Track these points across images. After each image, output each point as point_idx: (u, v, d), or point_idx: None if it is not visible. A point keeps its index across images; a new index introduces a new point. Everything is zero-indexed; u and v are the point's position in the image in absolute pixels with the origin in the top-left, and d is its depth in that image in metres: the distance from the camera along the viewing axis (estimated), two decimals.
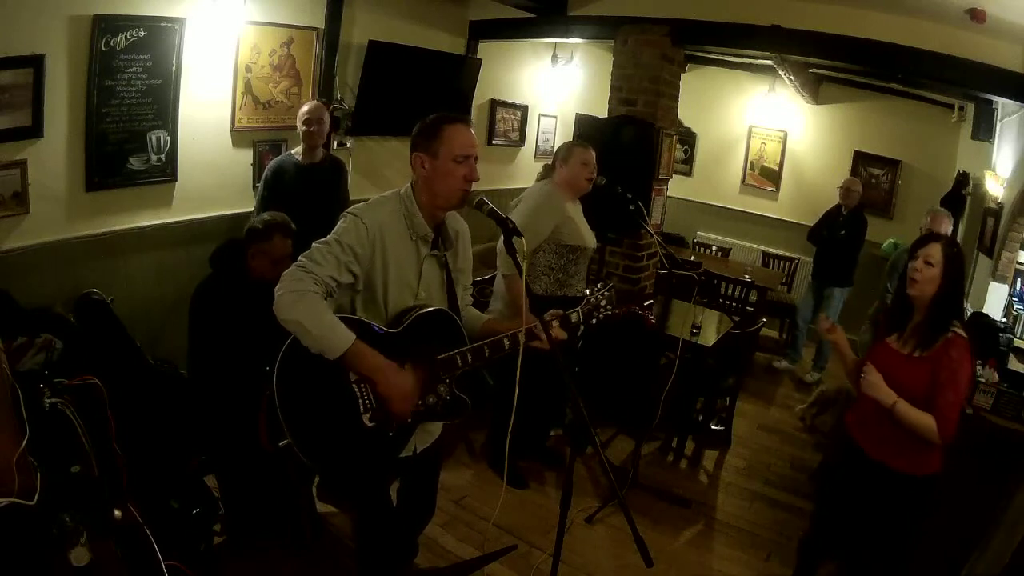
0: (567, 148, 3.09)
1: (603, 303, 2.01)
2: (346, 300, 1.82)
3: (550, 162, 3.23)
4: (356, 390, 1.75)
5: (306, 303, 1.61)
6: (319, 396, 1.71)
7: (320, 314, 1.62)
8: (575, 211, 3.09)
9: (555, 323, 1.90)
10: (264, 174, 3.52)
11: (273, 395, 1.66)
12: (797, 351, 5.34)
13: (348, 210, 1.81)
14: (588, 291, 2.03)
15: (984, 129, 4.76)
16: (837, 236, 4.83)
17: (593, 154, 3.05)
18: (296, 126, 3.50)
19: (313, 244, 1.74)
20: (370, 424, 1.77)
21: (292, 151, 3.58)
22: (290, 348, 1.66)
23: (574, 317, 1.97)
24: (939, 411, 1.98)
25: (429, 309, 1.84)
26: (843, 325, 5.20)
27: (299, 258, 1.71)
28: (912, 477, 2.10)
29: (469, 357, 1.83)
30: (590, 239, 3.12)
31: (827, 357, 5.15)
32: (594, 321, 2.01)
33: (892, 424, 2.06)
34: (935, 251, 2.07)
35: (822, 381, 5.11)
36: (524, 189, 3.23)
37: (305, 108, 3.47)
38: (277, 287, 1.65)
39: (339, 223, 1.78)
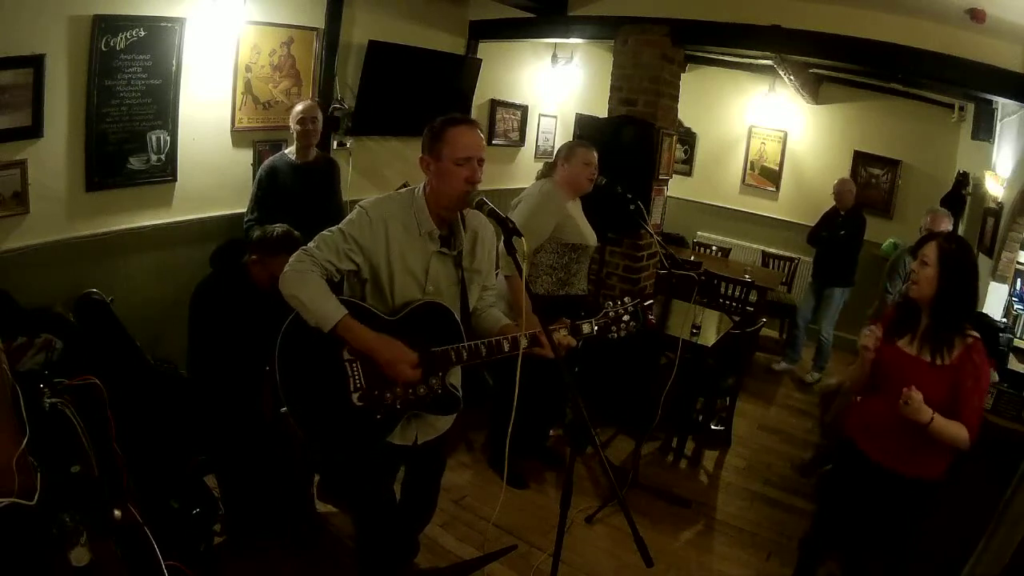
0: (569, 147, 3.09)
1: (625, 318, 1.90)
2: (357, 287, 1.89)
3: (551, 160, 3.23)
4: (348, 369, 1.81)
5: (304, 280, 1.74)
6: (314, 370, 1.80)
7: (315, 290, 1.74)
8: (575, 209, 3.09)
9: (563, 330, 1.88)
10: (258, 173, 3.52)
11: (274, 365, 1.77)
12: (797, 351, 5.34)
13: (359, 203, 1.89)
14: (609, 304, 1.92)
15: (984, 129, 4.75)
16: (837, 236, 4.84)
17: (595, 154, 3.05)
18: (290, 126, 3.50)
19: (322, 232, 1.85)
20: (359, 404, 1.82)
21: (286, 151, 3.58)
22: (292, 323, 1.77)
23: (586, 328, 1.90)
24: (967, 417, 1.95)
25: (429, 301, 1.87)
26: (843, 325, 5.24)
27: (307, 243, 1.84)
28: (920, 481, 2.08)
29: (464, 353, 1.85)
30: (591, 237, 3.12)
31: (827, 357, 5.15)
32: (612, 336, 1.92)
33: (901, 428, 2.01)
34: (930, 250, 2.04)
35: (822, 381, 5.12)
36: (524, 189, 3.23)
37: (300, 107, 3.46)
38: (285, 267, 1.79)
39: (349, 214, 1.88)
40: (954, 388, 1.98)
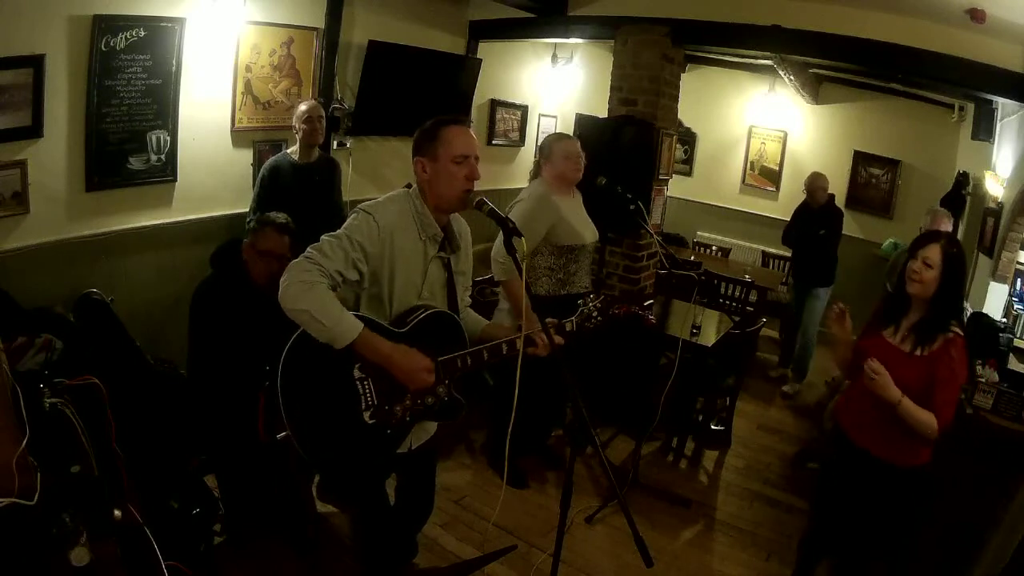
0: (547, 145, 3.07)
1: (595, 314, 2.07)
2: (350, 296, 1.84)
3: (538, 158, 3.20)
4: (359, 387, 1.76)
5: (314, 293, 1.62)
6: (322, 391, 1.73)
7: (329, 304, 1.63)
8: (571, 207, 3.05)
9: (551, 330, 1.91)
10: (260, 174, 3.53)
11: (276, 387, 1.67)
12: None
13: (360, 206, 1.81)
14: (581, 301, 2.09)
15: (984, 129, 4.75)
16: (816, 235, 4.57)
17: (575, 143, 3.03)
18: (293, 126, 3.50)
19: (323, 237, 1.74)
20: (370, 421, 1.78)
21: (288, 151, 3.58)
22: (297, 342, 1.67)
23: (568, 326, 2.01)
24: (937, 408, 2.01)
25: (434, 311, 1.85)
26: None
27: (308, 249, 1.71)
28: (893, 467, 2.13)
29: (469, 360, 1.85)
30: (588, 235, 3.09)
31: (808, 364, 4.91)
32: (587, 327, 2.06)
33: (879, 413, 2.08)
34: (934, 252, 2.07)
35: (802, 393, 4.95)
36: (523, 189, 3.22)
37: (304, 107, 3.47)
38: (283, 277, 1.65)
39: (350, 218, 1.78)
40: (929, 379, 2.03)
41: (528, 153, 6.30)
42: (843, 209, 5.70)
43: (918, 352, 2.08)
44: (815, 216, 4.63)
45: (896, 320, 2.18)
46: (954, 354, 2.02)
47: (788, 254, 6.21)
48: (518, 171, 6.13)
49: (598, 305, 2.09)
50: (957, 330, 2.06)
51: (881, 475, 2.15)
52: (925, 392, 2.03)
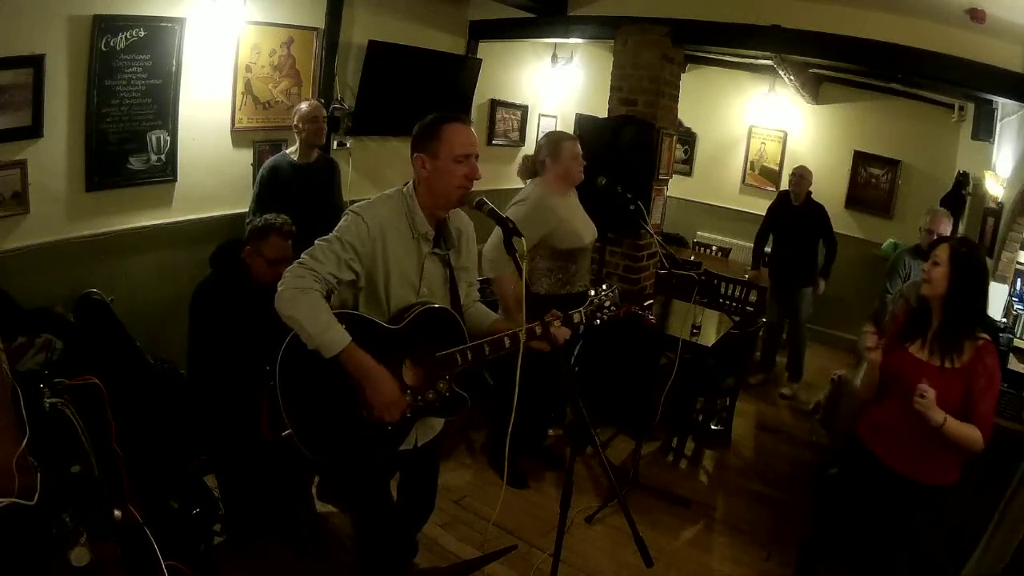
0: (553, 143, 3.02)
1: (607, 304, 2.01)
2: (349, 296, 1.84)
3: (533, 155, 3.14)
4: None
5: (306, 301, 1.65)
6: (320, 388, 1.74)
7: (318, 313, 1.65)
8: (571, 208, 3.03)
9: (556, 322, 1.90)
10: (259, 174, 3.52)
11: (275, 385, 1.70)
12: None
13: (350, 208, 1.83)
14: (592, 292, 2.02)
15: (984, 129, 4.74)
16: (807, 234, 4.52)
17: (578, 143, 3.02)
18: (294, 126, 3.49)
19: (316, 241, 1.76)
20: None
21: (287, 151, 3.58)
22: (294, 340, 1.69)
23: (576, 317, 1.97)
24: (980, 419, 1.96)
25: (431, 306, 1.85)
26: (840, 325, 5.09)
27: (302, 255, 1.74)
28: (919, 484, 2.09)
29: (469, 355, 1.84)
30: (587, 234, 3.06)
31: (804, 364, 4.93)
32: (598, 322, 2.01)
33: (914, 432, 2.02)
34: (942, 251, 2.07)
35: (799, 395, 4.91)
36: (522, 189, 3.19)
37: (305, 107, 3.46)
38: (280, 283, 1.68)
39: (341, 220, 1.80)
40: (966, 391, 1.99)
41: (528, 153, 6.29)
42: (843, 209, 5.74)
43: (948, 364, 2.03)
44: (796, 213, 4.58)
45: (922, 333, 2.13)
46: (988, 362, 1.99)
47: None
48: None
49: (611, 295, 2.01)
50: (984, 335, 2.02)
51: (906, 492, 2.11)
52: (962, 405, 1.98)
